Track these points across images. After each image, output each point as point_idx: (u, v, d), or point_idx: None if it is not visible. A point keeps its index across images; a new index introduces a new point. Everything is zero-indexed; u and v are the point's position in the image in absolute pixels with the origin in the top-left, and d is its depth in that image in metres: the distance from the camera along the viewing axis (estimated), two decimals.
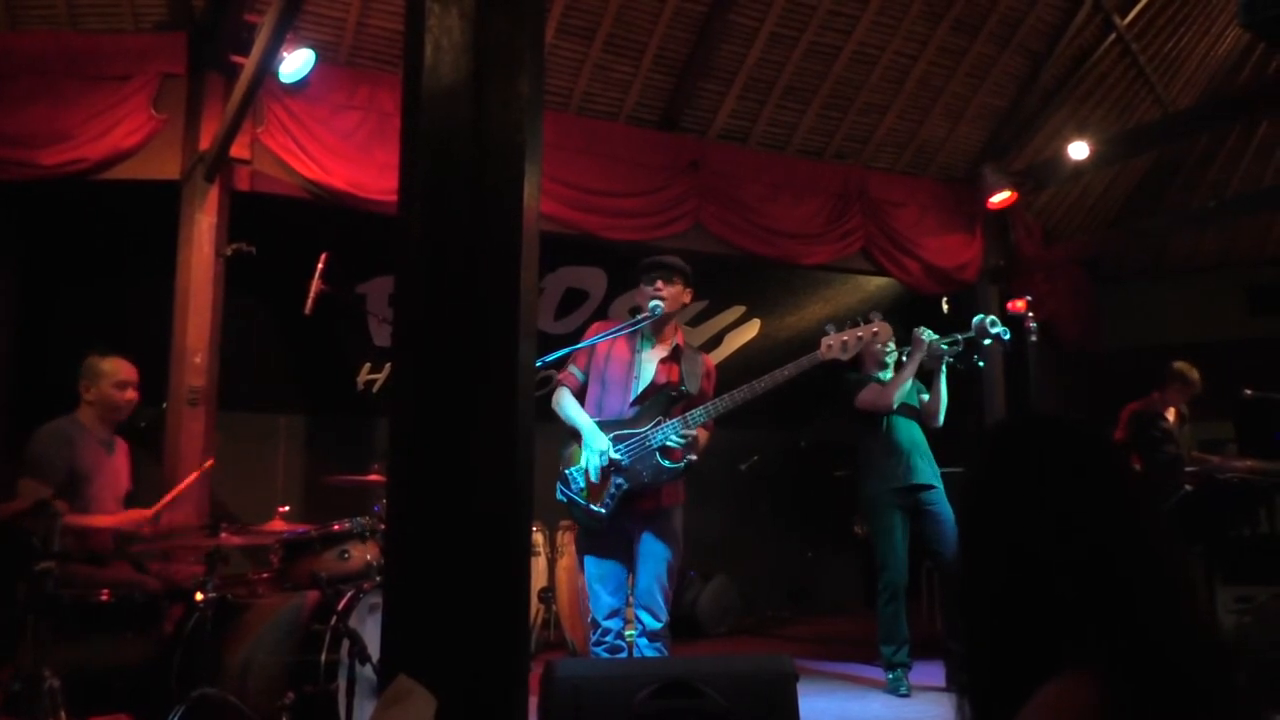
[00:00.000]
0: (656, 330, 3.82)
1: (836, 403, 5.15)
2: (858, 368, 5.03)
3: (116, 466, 4.07)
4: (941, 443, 5.06)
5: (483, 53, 1.88)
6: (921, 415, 4.98)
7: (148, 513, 3.92)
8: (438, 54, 1.86)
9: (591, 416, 3.65)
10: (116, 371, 3.99)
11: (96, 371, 3.97)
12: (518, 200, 2.10)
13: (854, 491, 5.27)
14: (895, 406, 4.85)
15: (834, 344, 3.67)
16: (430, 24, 1.81)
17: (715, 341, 7.57)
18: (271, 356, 6.30)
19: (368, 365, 6.77)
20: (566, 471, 3.63)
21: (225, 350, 5.07)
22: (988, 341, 4.83)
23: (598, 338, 3.75)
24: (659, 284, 3.74)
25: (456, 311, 2.10)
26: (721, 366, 7.49)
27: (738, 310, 7.57)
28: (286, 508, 4.21)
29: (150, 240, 5.19)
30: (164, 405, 5.08)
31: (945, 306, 7.37)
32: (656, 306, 3.70)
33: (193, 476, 4.27)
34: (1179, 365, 6.05)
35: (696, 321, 7.42)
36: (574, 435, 3.66)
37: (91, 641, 3.25)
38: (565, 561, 6.17)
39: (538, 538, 6.04)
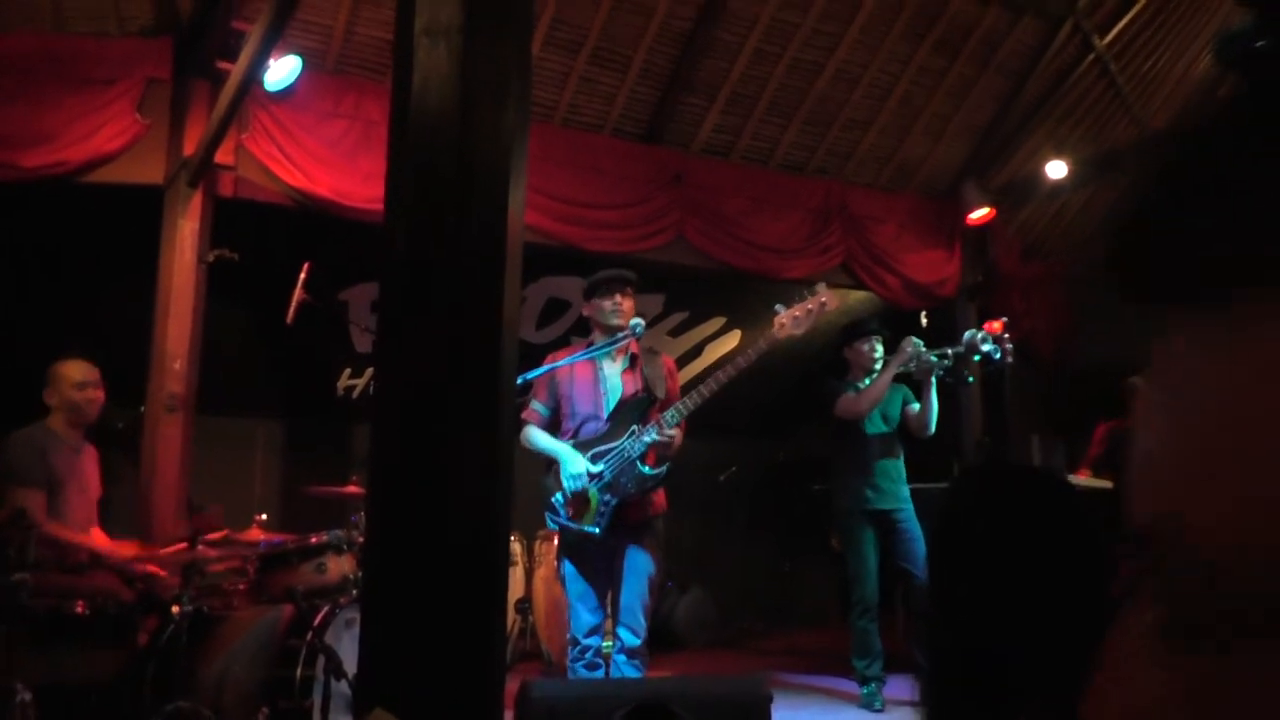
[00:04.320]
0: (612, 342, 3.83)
1: (819, 410, 5.14)
2: (845, 375, 5.06)
3: (87, 472, 4.06)
4: (919, 454, 5.09)
5: (470, 85, 1.90)
6: (906, 430, 4.99)
7: (135, 553, 3.92)
8: (425, 86, 1.88)
9: (569, 442, 3.67)
10: (74, 373, 3.99)
11: (56, 376, 3.99)
12: (502, 227, 2.12)
13: (830, 504, 5.30)
14: (871, 410, 4.86)
15: (786, 321, 3.74)
16: (419, 57, 1.83)
17: (696, 352, 7.61)
18: (251, 361, 6.29)
19: (348, 371, 6.76)
20: (552, 499, 3.64)
21: (205, 354, 5.06)
22: (977, 357, 4.86)
23: (561, 362, 3.73)
24: (619, 298, 3.73)
25: (439, 327, 2.12)
26: (702, 377, 7.58)
27: (718, 321, 7.60)
28: (264, 516, 4.22)
29: (129, 243, 5.17)
30: (141, 409, 5.07)
31: (924, 320, 7.44)
32: (638, 325, 3.71)
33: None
34: (1138, 380, 6.11)
35: (677, 332, 7.46)
36: (550, 465, 3.67)
37: (65, 653, 3.24)
38: (543, 572, 6.18)
39: (515, 548, 6.06)
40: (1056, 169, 6.68)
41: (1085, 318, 8.40)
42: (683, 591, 6.90)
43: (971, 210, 7.06)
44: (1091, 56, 6.95)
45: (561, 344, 6.79)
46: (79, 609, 3.28)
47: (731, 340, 7.69)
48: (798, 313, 3.70)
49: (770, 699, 2.67)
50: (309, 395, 6.74)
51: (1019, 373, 8.04)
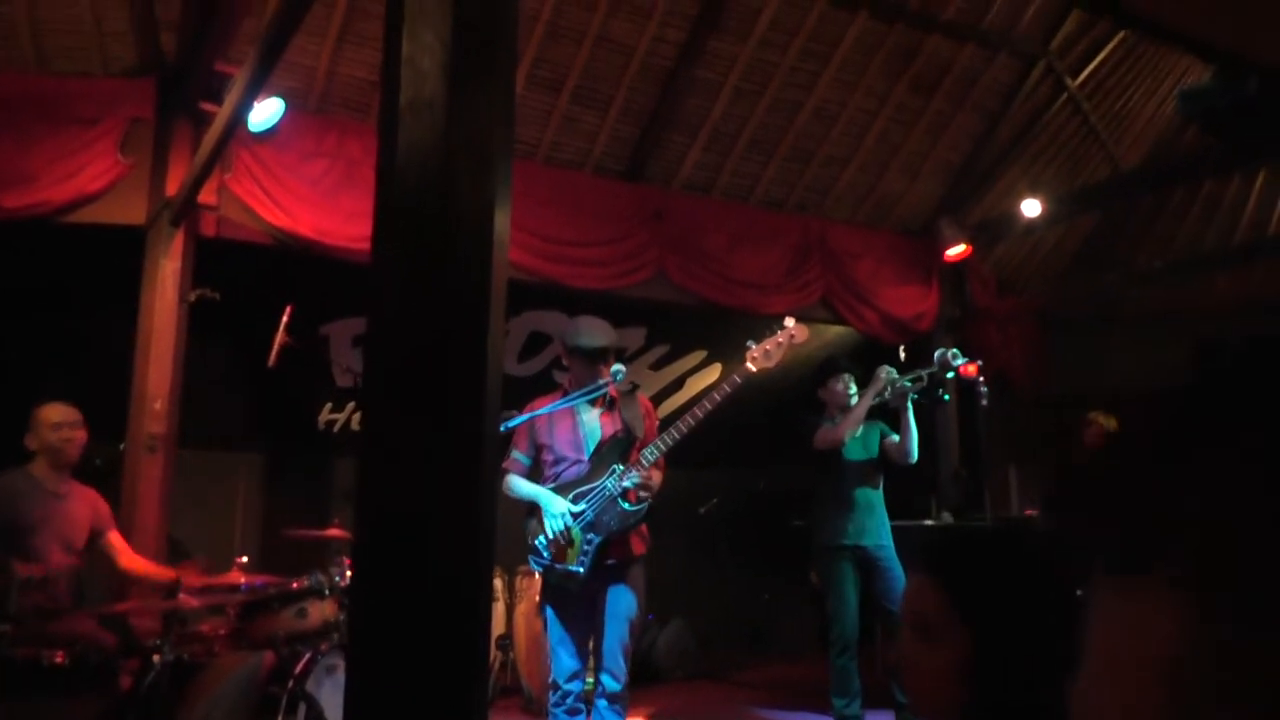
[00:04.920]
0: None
1: (797, 442, 5.17)
2: (821, 411, 5.10)
3: (69, 514, 4.02)
4: (898, 489, 5.13)
5: (453, 156, 1.94)
6: (887, 462, 5.03)
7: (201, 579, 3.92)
8: (409, 158, 1.92)
9: (551, 485, 3.70)
10: (52, 415, 4.00)
11: (36, 421, 4.00)
12: (487, 286, 2.15)
13: (809, 540, 5.32)
14: (850, 434, 4.88)
15: (758, 355, 3.81)
16: (403, 132, 1.88)
17: (677, 385, 7.66)
18: (231, 395, 6.28)
19: (329, 405, 6.76)
20: (534, 543, 3.67)
21: (185, 388, 5.06)
22: (950, 374, 4.92)
23: (540, 411, 3.74)
24: (601, 367, 3.75)
25: (424, 369, 2.14)
26: (684, 410, 7.62)
27: (699, 355, 7.66)
28: (245, 558, 4.21)
29: (108, 278, 5.18)
30: (121, 446, 5.06)
31: (902, 354, 7.52)
32: (618, 373, 3.75)
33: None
34: (1094, 416, 6.16)
35: (658, 366, 7.50)
36: (531, 510, 3.70)
37: (45, 702, 3.23)
38: (524, 607, 6.18)
39: (496, 583, 6.05)
40: (1031, 207, 6.79)
41: (1057, 354, 8.54)
42: (663, 625, 6.91)
43: (948, 246, 7.15)
44: (1065, 96, 7.09)
45: (543, 377, 6.86)
46: (59, 658, 3.27)
47: (712, 374, 7.75)
48: (768, 346, 3.78)
49: None
50: (290, 429, 6.74)
51: (995, 404, 8.15)
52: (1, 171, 4.75)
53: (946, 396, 5.01)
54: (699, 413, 3.70)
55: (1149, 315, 8.80)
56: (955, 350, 4.88)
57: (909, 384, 4.85)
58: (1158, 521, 0.46)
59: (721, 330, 7.48)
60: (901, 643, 1.35)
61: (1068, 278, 8.52)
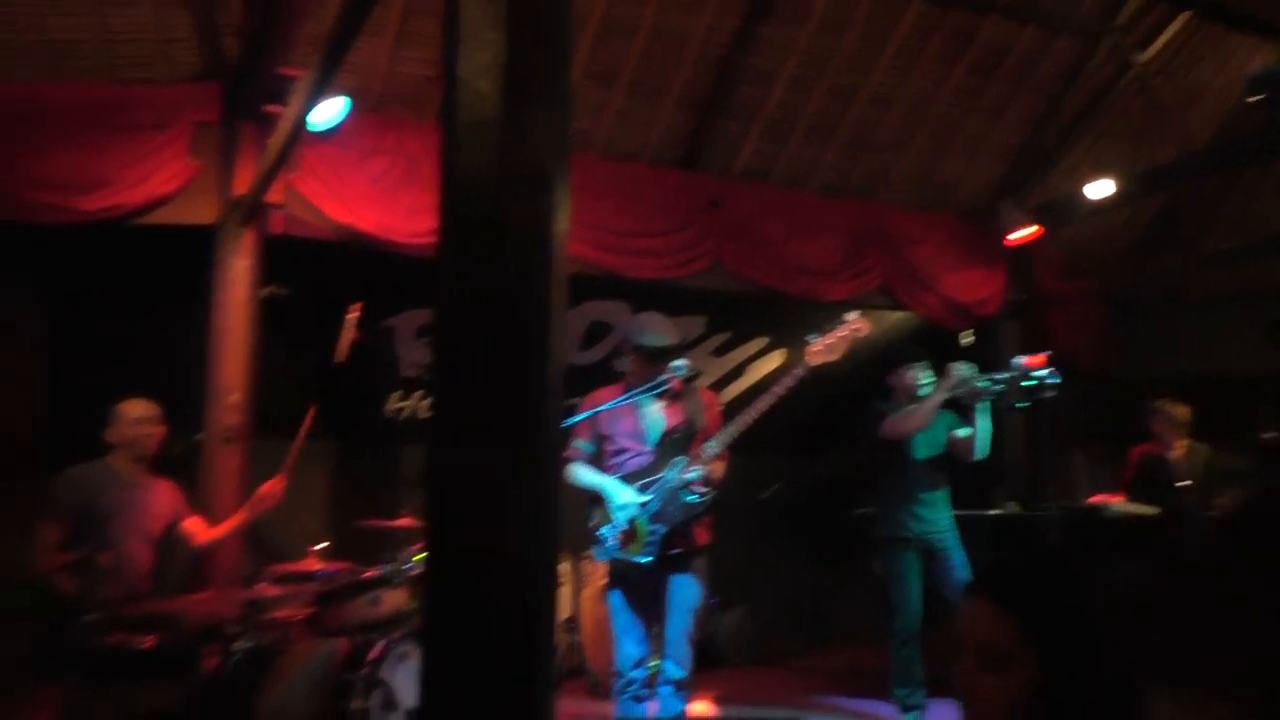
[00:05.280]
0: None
1: (862, 430, 5.12)
2: (889, 398, 5.04)
3: (147, 505, 4.16)
4: (960, 479, 5.07)
5: (509, 173, 1.99)
6: (952, 456, 4.98)
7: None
8: (468, 174, 1.97)
9: (616, 475, 3.76)
10: (132, 410, 4.16)
11: (117, 415, 4.16)
12: (547, 286, 2.18)
13: (872, 529, 5.30)
14: (918, 430, 4.81)
15: (819, 349, 3.81)
16: (461, 153, 1.93)
17: (738, 372, 7.66)
18: (302, 385, 6.43)
19: (397, 394, 6.91)
20: (599, 533, 3.74)
21: (257, 379, 5.21)
22: (1027, 383, 4.76)
23: (603, 406, 3.80)
24: (664, 364, 3.80)
25: (489, 360, 2.19)
26: (744, 398, 7.62)
27: (760, 341, 7.66)
28: (322, 545, 4.33)
29: (182, 276, 5.34)
30: (197, 437, 5.22)
31: (970, 338, 7.43)
32: (680, 367, 3.79)
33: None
34: (1160, 403, 6.03)
35: (720, 353, 7.52)
36: (595, 499, 3.77)
37: (130, 689, 3.38)
38: (589, 591, 6.26)
39: (563, 567, 6.15)
40: (1102, 188, 6.61)
41: (1127, 335, 8.37)
42: (725, 609, 6.96)
43: (1011, 229, 7.04)
44: (1130, 74, 6.92)
45: (604, 366, 6.92)
46: (147, 644, 3.41)
47: (774, 360, 7.74)
48: (830, 340, 3.77)
49: None
50: (359, 418, 6.89)
51: (1061, 388, 8.01)
52: (79, 177, 4.93)
53: (1021, 404, 4.87)
54: (761, 406, 3.72)
55: (1217, 296, 8.59)
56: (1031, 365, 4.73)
57: (985, 384, 4.74)
58: (1221, 641, 0.48)
59: (782, 317, 7.47)
60: (963, 673, 1.34)
61: (1135, 259, 8.34)
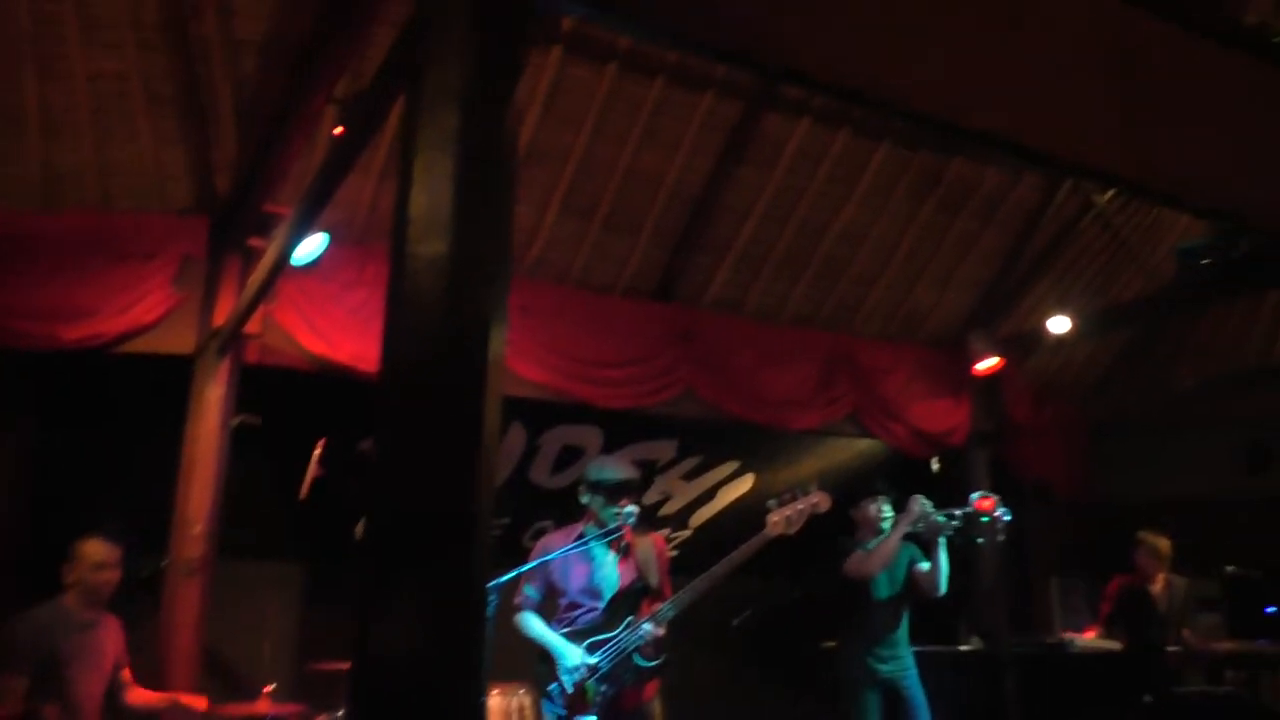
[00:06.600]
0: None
1: (830, 558, 5.16)
2: (854, 534, 5.10)
3: (100, 645, 4.15)
4: (934, 605, 5.08)
5: (459, 276, 2.09)
6: (915, 593, 5.02)
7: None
8: (418, 275, 2.08)
9: (564, 630, 3.78)
10: (94, 554, 4.12)
11: (77, 555, 4.12)
12: (480, 401, 2.22)
13: (834, 666, 5.29)
14: (880, 571, 4.89)
15: (778, 520, 3.87)
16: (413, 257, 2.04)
17: (708, 496, 7.69)
18: (271, 510, 6.45)
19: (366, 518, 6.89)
20: (548, 689, 3.74)
21: (224, 503, 5.22)
22: (985, 519, 4.87)
23: (554, 555, 3.84)
24: (624, 501, 3.87)
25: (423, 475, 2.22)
26: (714, 522, 7.64)
27: (731, 465, 7.70)
28: (272, 686, 4.29)
29: (161, 399, 5.41)
30: (164, 563, 5.21)
31: (936, 465, 7.51)
32: (630, 514, 3.84)
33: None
34: (1144, 535, 6.08)
35: (690, 476, 7.56)
36: (543, 655, 3.78)
37: None
38: None
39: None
40: (1059, 324, 6.78)
41: (1102, 460, 8.44)
42: None
43: (978, 360, 7.18)
44: (1093, 211, 7.14)
45: (574, 490, 6.92)
46: None
47: (745, 484, 7.77)
48: (789, 512, 3.84)
49: None
50: (327, 540, 6.86)
51: (1034, 514, 8.05)
52: (64, 304, 5.02)
53: (980, 540, 4.96)
54: (717, 572, 3.77)
55: (1190, 421, 8.68)
56: (997, 497, 4.86)
57: (943, 519, 4.83)
58: None
59: (753, 442, 7.53)
60: None
61: (1105, 389, 8.47)
